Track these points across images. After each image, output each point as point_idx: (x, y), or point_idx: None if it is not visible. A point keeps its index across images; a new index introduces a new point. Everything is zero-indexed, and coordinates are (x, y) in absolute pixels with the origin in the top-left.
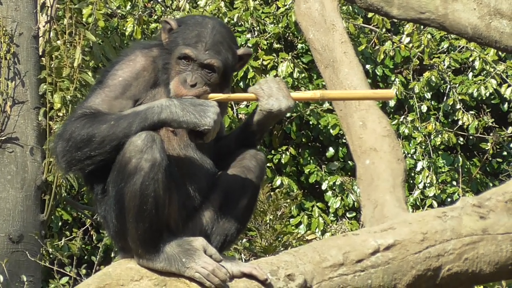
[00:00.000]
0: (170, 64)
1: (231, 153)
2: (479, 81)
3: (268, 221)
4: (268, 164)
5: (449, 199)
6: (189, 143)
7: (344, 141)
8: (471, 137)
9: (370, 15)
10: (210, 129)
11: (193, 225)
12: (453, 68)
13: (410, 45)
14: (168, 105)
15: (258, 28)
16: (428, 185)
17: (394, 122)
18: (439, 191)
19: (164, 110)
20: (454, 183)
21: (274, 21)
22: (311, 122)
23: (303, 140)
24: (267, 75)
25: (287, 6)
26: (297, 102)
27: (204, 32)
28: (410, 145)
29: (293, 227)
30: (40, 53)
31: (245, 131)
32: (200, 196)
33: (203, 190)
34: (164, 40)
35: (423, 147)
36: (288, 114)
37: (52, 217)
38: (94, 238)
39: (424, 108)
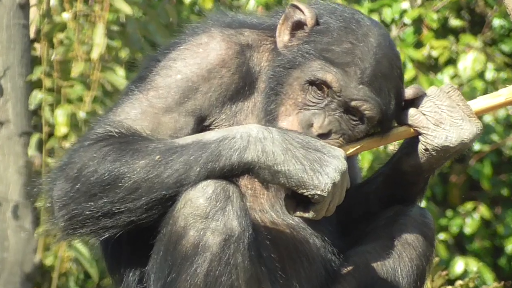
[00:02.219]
0: (285, 83)
1: (371, 216)
2: None
3: None
4: (439, 236)
5: None
6: None
7: None
8: None
9: None
10: (325, 197)
11: None
12: None
13: None
14: (261, 137)
15: None
16: None
17: None
18: None
19: (253, 146)
20: None
21: None
22: None
23: (504, 191)
24: (437, 76)
25: None
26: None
27: (362, 50)
28: None
29: None
30: (32, 36)
31: (397, 177)
32: None
33: (319, 284)
34: (283, 35)
35: None
36: (476, 145)
37: None
38: None
39: None
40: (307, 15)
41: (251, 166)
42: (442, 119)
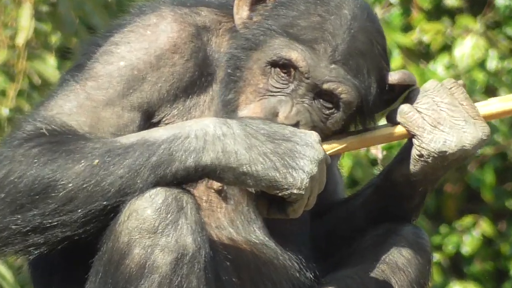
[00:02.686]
0: (244, 67)
1: (357, 234)
2: None
3: None
4: (434, 256)
5: None
6: (254, 217)
7: None
8: None
9: None
10: (302, 194)
11: None
12: None
13: None
14: (220, 134)
15: None
16: None
17: None
18: None
19: (211, 146)
20: None
21: None
22: None
23: (509, 203)
24: (429, 65)
25: None
26: (491, 122)
27: (334, 23)
28: None
29: None
30: None
31: (388, 189)
32: None
33: None
34: (241, 11)
35: None
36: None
37: None
38: None
39: None
40: None
41: (211, 170)
42: (441, 119)
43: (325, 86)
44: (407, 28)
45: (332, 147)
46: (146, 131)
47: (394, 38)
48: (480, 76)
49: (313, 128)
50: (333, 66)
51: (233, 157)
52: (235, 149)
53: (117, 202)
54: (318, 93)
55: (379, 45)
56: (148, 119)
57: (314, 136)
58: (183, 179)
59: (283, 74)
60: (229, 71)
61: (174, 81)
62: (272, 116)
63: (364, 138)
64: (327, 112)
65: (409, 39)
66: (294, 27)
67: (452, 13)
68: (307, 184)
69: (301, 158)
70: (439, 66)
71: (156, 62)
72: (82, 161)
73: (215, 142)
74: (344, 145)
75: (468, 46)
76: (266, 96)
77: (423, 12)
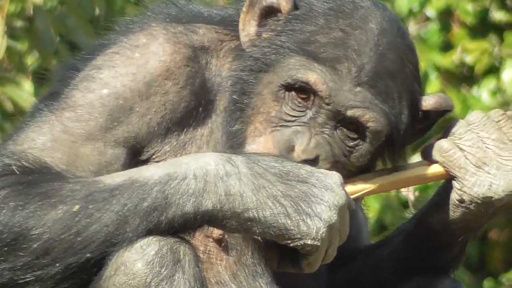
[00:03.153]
0: (253, 93)
1: None
2: None
3: None
4: None
5: None
6: (261, 271)
7: None
8: None
9: None
10: (318, 246)
11: None
12: None
13: None
14: (223, 173)
15: None
16: None
17: None
18: None
19: (212, 187)
20: None
21: None
22: None
23: None
24: (472, 91)
25: None
26: None
27: (359, 39)
28: None
29: None
30: None
31: (422, 237)
32: None
33: None
34: (248, 27)
35: None
36: None
37: None
38: None
39: None
40: None
41: (213, 216)
42: (487, 159)
43: (350, 112)
44: (447, 47)
45: (357, 189)
46: (135, 169)
47: (432, 59)
48: None
49: (335, 163)
50: (358, 89)
51: (238, 200)
52: (241, 191)
53: (102, 254)
54: (341, 121)
55: (411, 64)
56: (135, 156)
57: (335, 177)
58: (180, 227)
59: (299, 100)
60: (234, 97)
61: (167, 112)
62: (287, 150)
63: (395, 179)
64: (351, 143)
65: (449, 59)
66: (312, 44)
67: (500, 29)
68: (323, 234)
69: (318, 203)
70: (484, 91)
71: (145, 90)
72: (60, 206)
73: (217, 183)
74: (371, 187)
75: None
76: (279, 127)
77: (466, 28)
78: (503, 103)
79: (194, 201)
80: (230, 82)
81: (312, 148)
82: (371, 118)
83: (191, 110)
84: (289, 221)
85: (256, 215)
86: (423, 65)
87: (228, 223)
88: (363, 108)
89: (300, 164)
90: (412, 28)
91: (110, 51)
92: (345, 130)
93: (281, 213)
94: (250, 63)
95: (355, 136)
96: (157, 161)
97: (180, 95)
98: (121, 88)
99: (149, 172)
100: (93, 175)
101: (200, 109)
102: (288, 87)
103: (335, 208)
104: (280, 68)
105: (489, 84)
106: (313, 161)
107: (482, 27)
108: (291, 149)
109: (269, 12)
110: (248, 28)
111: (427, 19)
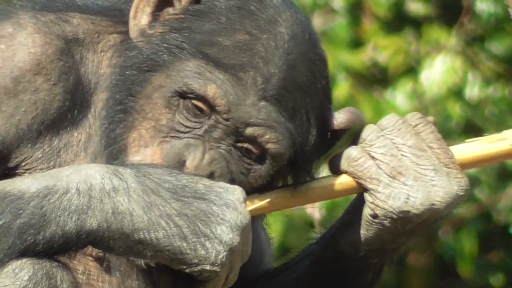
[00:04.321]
0: (140, 94)
1: None
2: None
3: None
4: None
5: None
6: None
7: None
8: None
9: None
10: (217, 272)
11: None
12: None
13: None
14: (110, 188)
15: None
16: None
17: None
18: None
19: (98, 204)
20: None
21: None
22: None
23: (494, 279)
24: (385, 94)
25: None
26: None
27: (267, 44)
28: None
29: None
30: None
31: (331, 261)
32: None
33: None
34: (140, 16)
35: None
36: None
37: None
38: None
39: None
40: None
41: (98, 237)
42: (403, 169)
43: (249, 130)
44: (357, 44)
45: (256, 207)
46: (8, 180)
47: (339, 58)
48: (456, 109)
49: (231, 181)
50: (262, 103)
51: (127, 219)
52: (130, 209)
53: None
54: (239, 138)
55: (322, 79)
56: (2, 163)
57: (237, 193)
58: (59, 248)
59: (195, 110)
60: (117, 97)
61: (38, 113)
62: (178, 165)
63: (298, 194)
64: (249, 163)
65: (359, 58)
66: (212, 47)
67: (417, 23)
68: (224, 259)
69: (217, 224)
70: (399, 95)
71: (13, 86)
72: None
73: (103, 199)
74: (271, 203)
75: (440, 68)
76: (169, 137)
77: (379, 22)
78: (421, 108)
79: (76, 219)
80: (112, 79)
81: (206, 165)
82: (272, 139)
83: (66, 112)
84: (185, 244)
85: (148, 236)
86: (329, 65)
87: (116, 245)
88: (264, 127)
89: (197, 178)
90: (317, 22)
91: None
92: (244, 147)
93: (176, 235)
94: (138, 61)
95: (253, 156)
96: (27, 169)
97: (53, 93)
98: None
99: (24, 185)
100: None
101: (76, 110)
102: (182, 95)
103: (238, 228)
104: (175, 71)
105: (405, 86)
106: (211, 176)
107: (397, 21)
108: (181, 164)
109: (166, 2)
110: (140, 16)
111: (334, 11)
